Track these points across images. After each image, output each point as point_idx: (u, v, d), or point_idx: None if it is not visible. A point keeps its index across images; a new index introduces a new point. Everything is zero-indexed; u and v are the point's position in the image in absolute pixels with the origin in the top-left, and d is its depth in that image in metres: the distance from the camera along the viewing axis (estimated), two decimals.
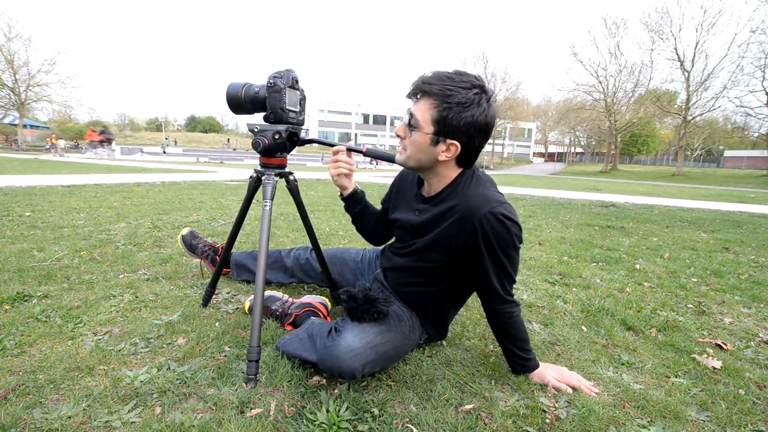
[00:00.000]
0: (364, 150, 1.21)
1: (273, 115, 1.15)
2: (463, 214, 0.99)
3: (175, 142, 39.98)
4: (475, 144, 1.00)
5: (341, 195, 1.33)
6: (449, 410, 0.97)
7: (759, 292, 2.05)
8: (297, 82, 1.18)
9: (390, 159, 1.20)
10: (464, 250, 1.02)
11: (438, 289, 1.17)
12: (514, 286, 1.08)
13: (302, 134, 1.26)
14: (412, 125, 1.00)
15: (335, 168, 1.22)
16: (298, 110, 1.21)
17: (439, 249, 1.07)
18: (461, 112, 0.94)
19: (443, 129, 0.96)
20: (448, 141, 0.97)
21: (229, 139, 45.25)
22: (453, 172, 1.06)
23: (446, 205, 1.04)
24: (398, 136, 1.06)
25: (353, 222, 1.38)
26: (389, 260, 1.28)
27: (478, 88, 0.95)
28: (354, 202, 1.33)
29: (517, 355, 1.11)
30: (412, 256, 1.16)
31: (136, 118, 71.61)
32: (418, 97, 0.99)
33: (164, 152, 27.92)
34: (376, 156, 1.24)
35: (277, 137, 1.16)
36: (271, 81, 1.13)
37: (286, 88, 1.13)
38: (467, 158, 1.03)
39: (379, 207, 1.40)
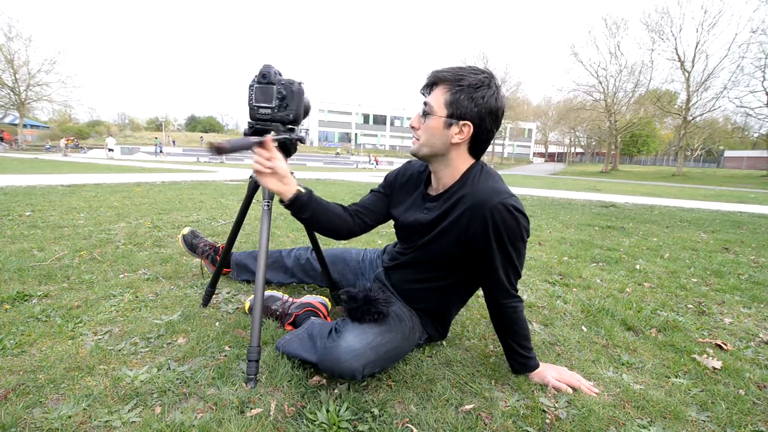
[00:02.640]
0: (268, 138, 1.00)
1: (249, 113, 1.15)
2: (474, 204, 1.00)
3: (173, 141, 39.21)
4: (486, 127, 1.02)
5: (281, 200, 1.08)
6: (449, 410, 0.97)
7: (759, 292, 2.05)
8: (265, 76, 1.09)
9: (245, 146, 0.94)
10: (473, 241, 1.02)
11: (443, 284, 1.17)
12: None
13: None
14: (426, 113, 1.03)
15: (254, 165, 1.02)
16: (273, 106, 1.10)
17: (447, 241, 1.08)
18: (472, 93, 0.98)
19: (456, 111, 0.99)
20: (461, 122, 1.00)
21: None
22: (464, 162, 1.07)
23: (456, 197, 1.06)
24: (412, 127, 1.08)
25: (306, 228, 1.21)
26: (393, 259, 1.27)
27: (487, 74, 1.01)
28: (298, 210, 1.08)
29: (518, 353, 1.12)
30: (418, 251, 1.16)
31: (137, 118, 71.68)
32: (432, 87, 1.03)
33: (161, 151, 27.25)
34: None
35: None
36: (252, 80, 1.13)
37: (255, 85, 1.12)
38: (479, 143, 1.06)
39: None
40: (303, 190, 1.08)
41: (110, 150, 21.62)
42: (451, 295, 1.21)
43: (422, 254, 1.15)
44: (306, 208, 1.08)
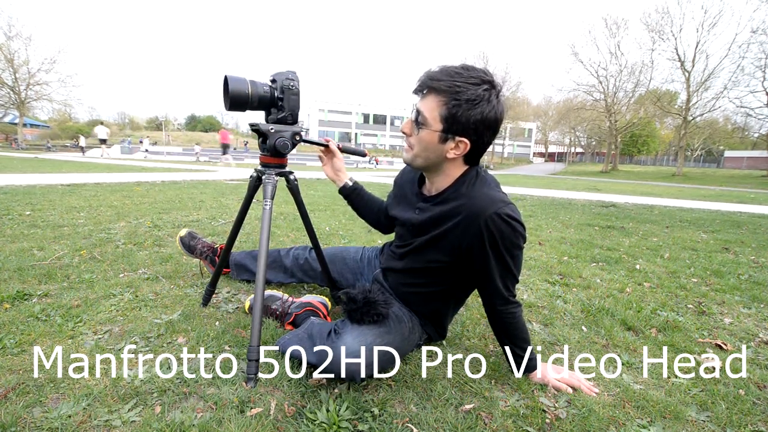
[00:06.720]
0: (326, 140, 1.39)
1: (291, 117, 1.18)
2: (469, 215, 0.98)
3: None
4: (484, 141, 0.98)
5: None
6: (449, 410, 0.97)
7: (759, 292, 2.05)
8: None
9: (360, 153, 1.47)
10: (469, 251, 1.01)
11: (438, 289, 1.17)
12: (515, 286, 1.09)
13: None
14: (419, 122, 0.98)
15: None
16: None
17: (441, 249, 1.07)
18: (470, 109, 0.91)
19: (452, 126, 0.94)
20: (458, 138, 0.96)
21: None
22: (459, 170, 1.05)
23: (450, 205, 1.03)
24: (404, 133, 1.03)
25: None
26: (389, 260, 1.28)
27: (487, 84, 0.93)
28: (344, 197, 1.45)
29: (518, 355, 1.11)
30: (412, 255, 1.16)
31: (137, 117, 71.48)
32: (425, 93, 0.96)
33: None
34: (347, 151, 1.42)
35: (297, 138, 1.19)
36: (292, 84, 1.15)
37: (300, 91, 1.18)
38: (475, 155, 1.02)
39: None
40: (350, 183, 1.42)
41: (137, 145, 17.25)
42: (446, 300, 1.21)
43: (415, 261, 1.15)
44: (349, 197, 1.44)
